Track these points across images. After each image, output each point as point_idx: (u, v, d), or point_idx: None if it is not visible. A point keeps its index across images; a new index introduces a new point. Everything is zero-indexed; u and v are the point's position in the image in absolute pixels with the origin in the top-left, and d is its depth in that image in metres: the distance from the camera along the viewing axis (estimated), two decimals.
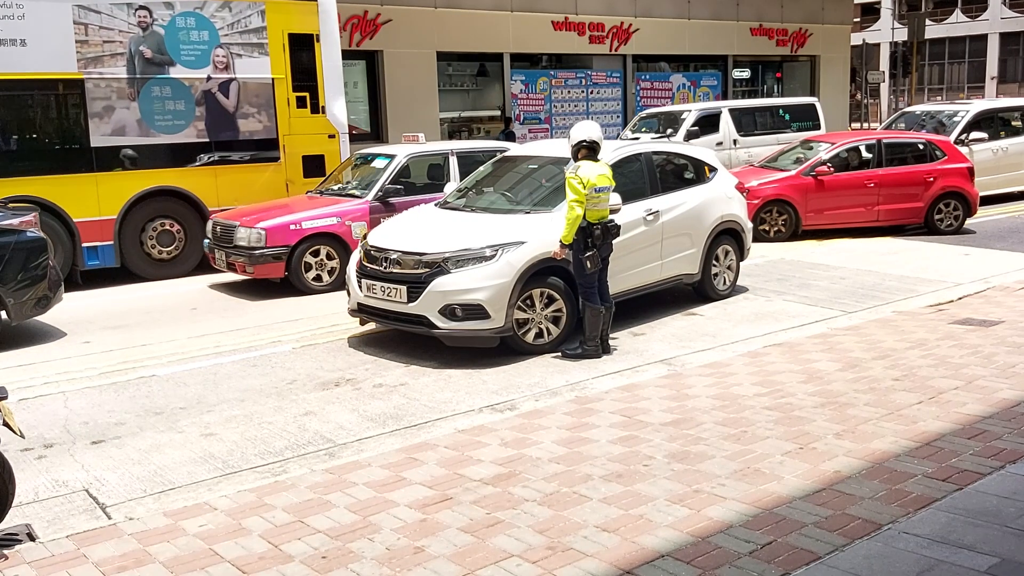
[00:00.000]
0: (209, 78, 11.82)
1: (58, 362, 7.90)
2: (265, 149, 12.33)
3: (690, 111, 17.76)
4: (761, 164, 14.81)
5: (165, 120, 11.58)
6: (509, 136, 19.49)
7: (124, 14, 11.20)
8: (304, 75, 12.53)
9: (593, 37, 21.65)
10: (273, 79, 12.23)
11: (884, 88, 52.72)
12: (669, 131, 17.32)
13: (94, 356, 8.06)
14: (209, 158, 11.95)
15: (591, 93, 22.10)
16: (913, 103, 31.59)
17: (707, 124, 17.62)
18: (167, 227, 11.71)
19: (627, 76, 22.61)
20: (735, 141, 17.93)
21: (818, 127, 18.79)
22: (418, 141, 12.05)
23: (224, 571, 3.96)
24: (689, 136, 17.01)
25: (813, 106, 19.37)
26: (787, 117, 18.94)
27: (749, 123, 18.22)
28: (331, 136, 12.78)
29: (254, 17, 12.10)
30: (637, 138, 16.45)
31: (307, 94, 12.54)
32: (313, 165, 12.68)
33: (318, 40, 12.57)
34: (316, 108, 12.61)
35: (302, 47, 12.50)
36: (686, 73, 24.16)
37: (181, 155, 11.76)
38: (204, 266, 11.51)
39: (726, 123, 17.82)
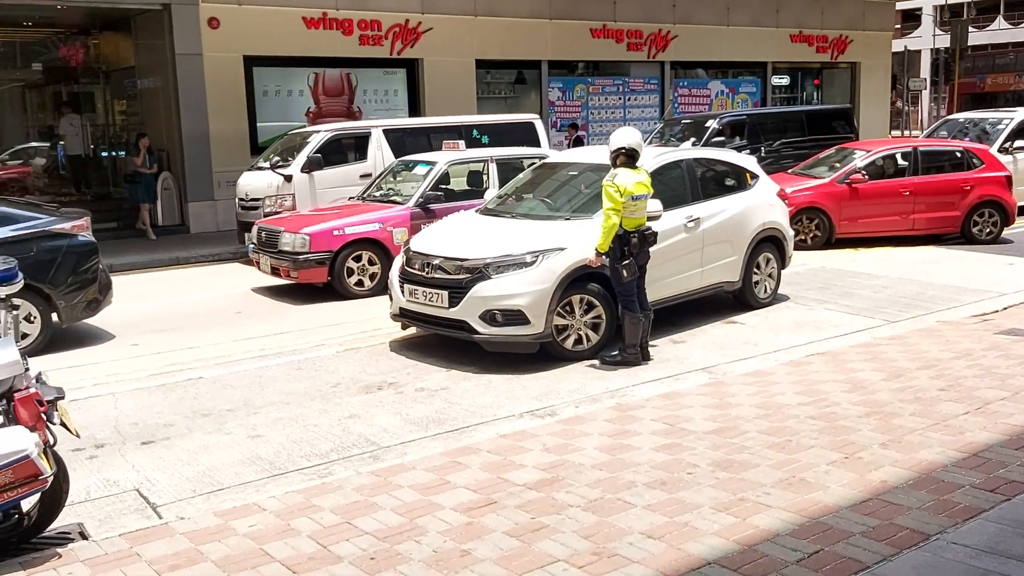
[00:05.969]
0: None
1: (108, 364, 8.06)
2: None
3: (317, 132, 13.36)
4: (795, 171, 14.71)
5: None
6: (577, 141, 19.44)
7: None
8: None
9: (631, 44, 21.67)
10: None
11: (925, 95, 52.14)
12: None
13: (143, 358, 8.21)
14: None
15: (628, 100, 22.11)
16: (954, 110, 31.17)
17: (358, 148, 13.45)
18: None
19: (664, 83, 22.57)
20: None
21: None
22: (459, 148, 12.09)
23: (275, 571, 4.03)
24: (310, 167, 12.82)
25: (531, 125, 14.39)
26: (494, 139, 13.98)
27: (420, 148, 13.08)
28: None
29: None
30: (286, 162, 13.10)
31: None
32: None
33: None
34: None
35: None
36: (724, 80, 24.07)
37: None
38: (248, 271, 11.66)
39: (376, 149, 13.48)
